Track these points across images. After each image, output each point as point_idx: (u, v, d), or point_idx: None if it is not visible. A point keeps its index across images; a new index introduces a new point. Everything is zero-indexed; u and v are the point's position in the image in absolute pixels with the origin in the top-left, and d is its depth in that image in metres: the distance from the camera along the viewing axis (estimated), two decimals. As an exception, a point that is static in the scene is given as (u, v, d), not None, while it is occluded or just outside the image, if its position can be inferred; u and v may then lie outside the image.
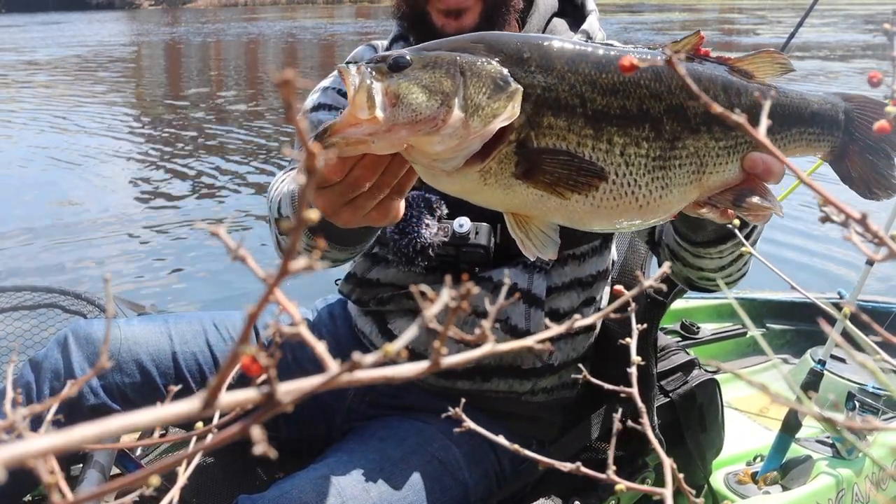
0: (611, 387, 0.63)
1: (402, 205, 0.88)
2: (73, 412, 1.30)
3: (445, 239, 1.29)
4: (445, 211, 1.30)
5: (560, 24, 1.40)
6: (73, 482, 1.36)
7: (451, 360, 0.31)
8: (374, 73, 0.75)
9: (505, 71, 0.77)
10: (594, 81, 0.78)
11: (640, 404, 0.58)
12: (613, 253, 1.48)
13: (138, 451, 1.56)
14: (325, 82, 1.44)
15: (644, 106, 0.79)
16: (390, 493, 1.21)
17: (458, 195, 0.82)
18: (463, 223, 1.29)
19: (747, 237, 1.14)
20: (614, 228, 0.87)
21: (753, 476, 1.81)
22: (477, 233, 1.29)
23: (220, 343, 1.47)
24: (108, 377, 1.37)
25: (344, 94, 1.38)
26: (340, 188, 0.81)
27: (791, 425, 1.80)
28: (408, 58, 0.76)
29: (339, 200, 0.83)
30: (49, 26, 28.77)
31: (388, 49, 1.40)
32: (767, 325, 2.68)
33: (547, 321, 1.30)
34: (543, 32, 1.37)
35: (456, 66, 0.76)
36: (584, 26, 1.37)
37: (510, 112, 0.75)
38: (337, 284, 1.53)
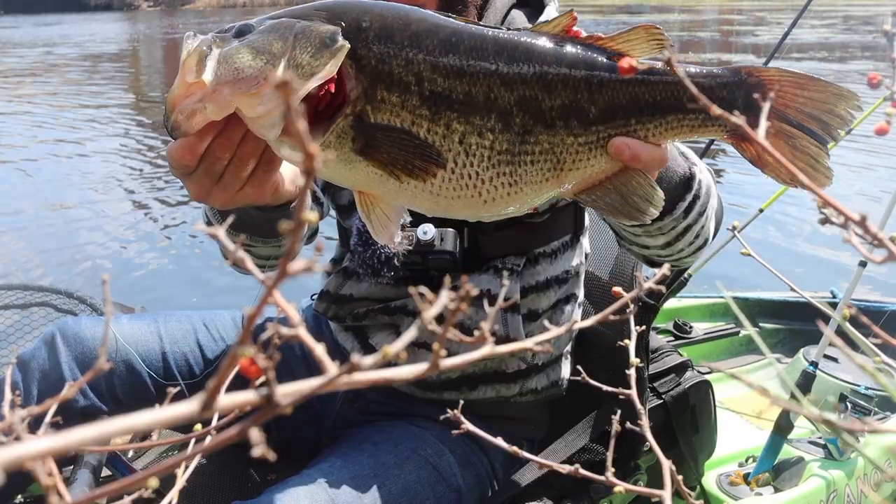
0: (610, 389, 0.63)
1: (280, 179, 0.86)
2: (62, 413, 1.28)
3: (410, 247, 1.25)
4: (409, 219, 1.26)
5: (518, 15, 1.36)
6: (64, 483, 1.36)
7: (450, 361, 0.31)
8: (216, 40, 0.74)
9: (333, 30, 0.74)
10: (437, 60, 0.74)
11: (639, 406, 0.58)
12: (585, 245, 1.43)
13: (130, 454, 1.55)
14: None
15: (492, 94, 0.74)
16: (384, 499, 1.20)
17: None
18: (427, 230, 1.24)
19: (690, 207, 1.06)
20: (468, 217, 0.82)
21: (745, 477, 1.82)
22: (442, 239, 1.25)
23: (211, 343, 1.45)
24: (98, 378, 1.35)
25: None
26: (202, 168, 0.80)
27: (783, 426, 1.81)
28: (252, 24, 0.76)
29: (206, 182, 0.81)
30: (48, 27, 28.75)
31: None
32: (760, 324, 2.69)
33: (546, 323, 1.28)
34: (501, 24, 1.34)
35: (291, 30, 0.74)
36: (542, 17, 1.33)
37: (329, 70, 0.72)
38: (313, 300, 1.50)
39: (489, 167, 0.75)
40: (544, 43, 0.76)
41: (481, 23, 0.81)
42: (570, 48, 0.77)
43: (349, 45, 0.73)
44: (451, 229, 1.25)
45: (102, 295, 1.93)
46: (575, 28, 0.77)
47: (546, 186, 0.78)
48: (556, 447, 1.41)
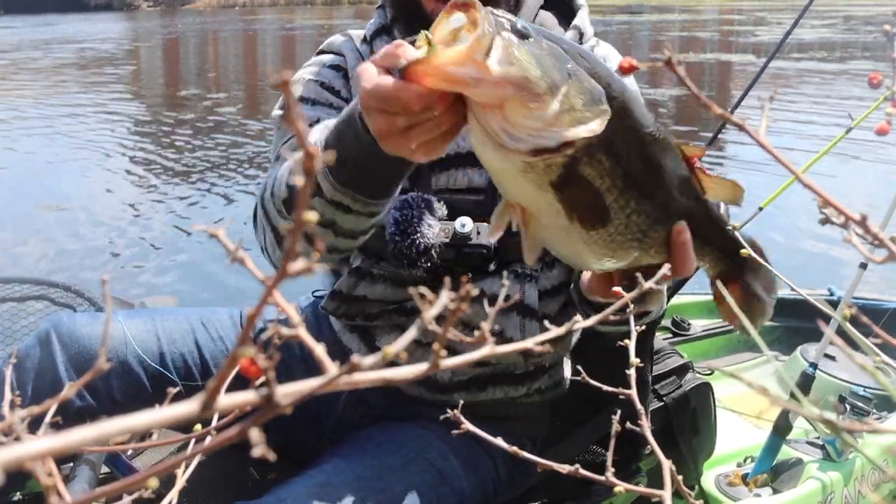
0: (610, 389, 0.63)
1: (445, 148, 0.88)
2: (59, 414, 1.27)
3: (447, 240, 1.24)
4: (445, 212, 1.26)
5: (548, 17, 1.36)
6: (63, 481, 1.35)
7: (450, 361, 0.31)
8: (497, 28, 0.76)
9: (602, 91, 0.80)
10: (643, 147, 0.85)
11: (639, 406, 0.58)
12: None
13: (129, 451, 1.54)
14: (306, 74, 1.37)
15: (660, 193, 0.88)
16: (388, 501, 1.19)
17: (490, 171, 0.84)
18: (465, 223, 1.25)
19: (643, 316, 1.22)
20: (586, 266, 0.94)
21: (744, 478, 1.82)
22: (479, 233, 1.26)
23: (210, 343, 1.43)
24: (95, 378, 1.33)
25: (326, 88, 1.34)
26: (407, 117, 0.81)
27: (781, 427, 1.81)
28: (530, 32, 0.78)
29: (398, 125, 0.82)
30: (48, 27, 28.75)
31: (370, 41, 1.36)
32: None
33: (546, 323, 1.28)
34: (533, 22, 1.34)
35: (566, 62, 0.79)
36: (576, 21, 1.34)
37: (593, 129, 0.78)
38: (314, 296, 1.49)
39: (627, 239, 0.87)
40: (684, 171, 0.90)
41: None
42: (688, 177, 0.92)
43: (609, 112, 0.80)
44: (486, 224, 1.25)
45: (100, 290, 1.91)
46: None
47: (638, 258, 0.92)
48: (560, 450, 1.41)
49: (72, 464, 1.35)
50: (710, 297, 2.68)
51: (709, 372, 2.22)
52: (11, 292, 1.90)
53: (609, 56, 1.36)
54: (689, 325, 2.50)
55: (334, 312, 1.37)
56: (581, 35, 1.34)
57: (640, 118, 0.85)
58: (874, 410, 1.86)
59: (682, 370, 1.58)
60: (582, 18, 1.35)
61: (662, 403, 1.53)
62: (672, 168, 0.88)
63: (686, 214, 0.91)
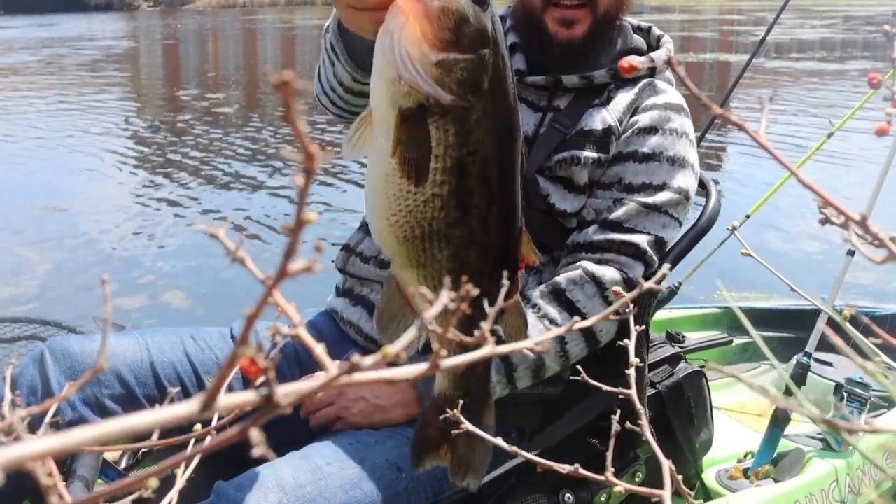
0: (610, 388, 0.63)
1: (368, 24, 0.95)
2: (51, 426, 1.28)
3: None
4: None
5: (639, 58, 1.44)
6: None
7: (450, 361, 0.31)
8: None
9: (483, 92, 0.88)
10: (487, 159, 0.91)
11: (639, 406, 0.58)
12: None
13: (122, 465, 1.55)
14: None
15: (474, 208, 0.93)
16: (368, 470, 1.22)
17: (374, 63, 0.91)
18: None
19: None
20: (368, 213, 0.98)
21: (745, 472, 1.81)
22: None
23: (199, 353, 1.47)
24: (87, 389, 1.36)
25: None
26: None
27: (780, 418, 1.81)
28: (488, 6, 0.88)
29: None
30: (48, 27, 28.74)
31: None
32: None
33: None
34: (616, 59, 1.44)
35: (484, 46, 0.87)
36: (653, 53, 1.46)
37: (439, 96, 0.86)
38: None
39: (418, 214, 0.91)
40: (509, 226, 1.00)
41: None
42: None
43: (464, 104, 0.89)
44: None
45: (86, 314, 1.98)
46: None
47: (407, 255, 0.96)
48: (547, 434, 1.40)
49: (65, 483, 1.35)
50: (703, 311, 2.70)
51: (701, 365, 2.23)
52: (3, 333, 1.98)
53: (667, 91, 1.44)
54: (683, 337, 2.50)
55: (343, 267, 1.47)
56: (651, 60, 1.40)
57: (505, 142, 0.92)
58: (872, 397, 1.85)
59: (674, 359, 1.58)
60: (658, 54, 1.46)
61: (656, 391, 1.53)
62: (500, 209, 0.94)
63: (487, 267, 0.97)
